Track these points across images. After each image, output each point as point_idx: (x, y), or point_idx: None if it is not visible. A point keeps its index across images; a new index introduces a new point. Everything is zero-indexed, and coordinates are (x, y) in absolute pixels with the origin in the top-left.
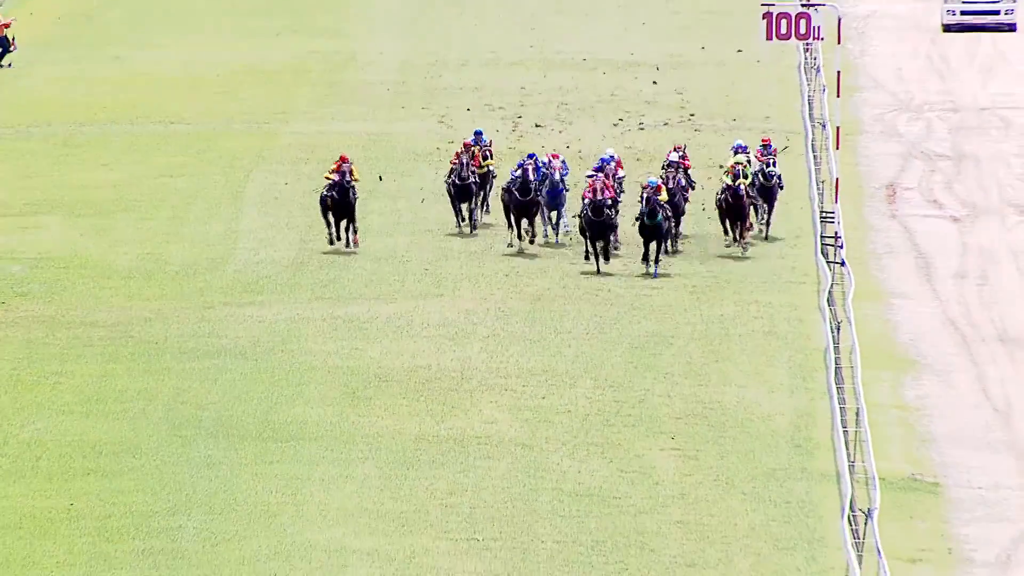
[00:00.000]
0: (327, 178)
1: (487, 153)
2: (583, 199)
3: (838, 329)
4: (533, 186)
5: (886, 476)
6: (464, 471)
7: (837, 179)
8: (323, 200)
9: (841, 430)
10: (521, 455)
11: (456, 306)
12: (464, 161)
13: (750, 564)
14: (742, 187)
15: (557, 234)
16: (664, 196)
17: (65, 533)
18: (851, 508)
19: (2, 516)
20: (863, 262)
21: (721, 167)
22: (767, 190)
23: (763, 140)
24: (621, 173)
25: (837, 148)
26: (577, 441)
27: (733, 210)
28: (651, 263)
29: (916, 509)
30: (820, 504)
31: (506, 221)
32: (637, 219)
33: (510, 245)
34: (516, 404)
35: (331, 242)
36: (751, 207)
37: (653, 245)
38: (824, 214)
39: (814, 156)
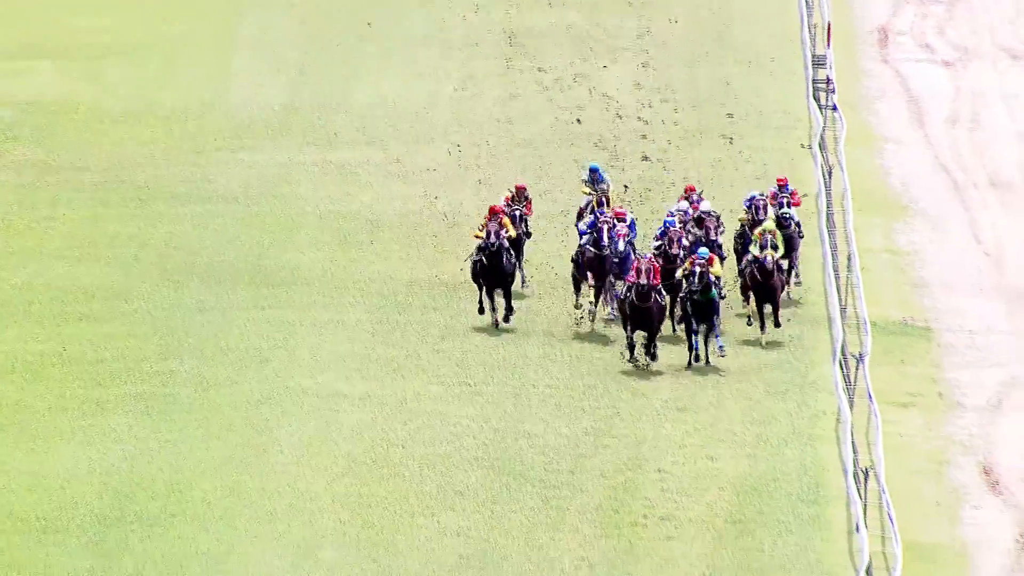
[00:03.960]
0: (476, 236)
1: (602, 200)
2: (625, 282)
3: (830, 174)
4: (606, 245)
5: (877, 321)
6: (456, 316)
7: (829, 23)
8: (472, 267)
9: (833, 275)
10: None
11: (449, 152)
12: (517, 214)
13: (741, 408)
14: (769, 259)
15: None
16: (717, 269)
17: (57, 377)
18: (842, 353)
19: None
20: (855, 107)
21: (741, 222)
22: (786, 241)
23: (779, 180)
24: (684, 241)
25: None
26: (570, 286)
27: (761, 288)
28: (702, 349)
29: (907, 354)
30: (811, 349)
31: (573, 290)
32: (684, 298)
33: (579, 321)
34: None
35: (480, 311)
36: (781, 283)
37: (703, 327)
38: (816, 58)
39: (806, 1)
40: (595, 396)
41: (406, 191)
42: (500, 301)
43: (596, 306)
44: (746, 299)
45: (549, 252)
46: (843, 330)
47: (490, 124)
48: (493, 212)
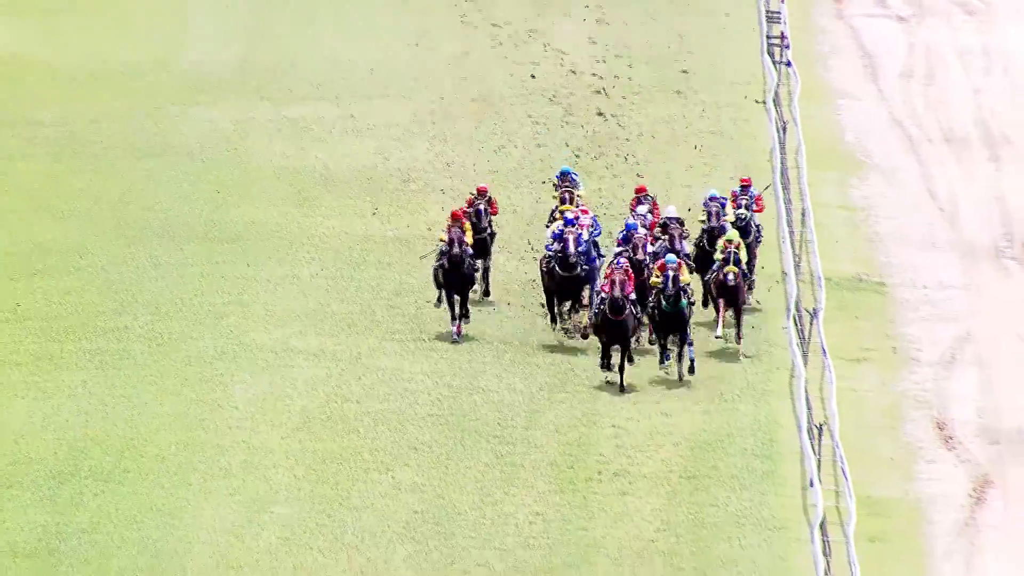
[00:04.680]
0: (440, 240)
1: (566, 196)
2: (599, 292)
3: (784, 129)
4: (575, 260)
5: (832, 276)
6: (410, 272)
7: None
8: (435, 272)
9: (787, 230)
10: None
11: (402, 107)
12: (481, 208)
13: (696, 364)
14: (731, 276)
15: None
16: (686, 276)
17: (11, 333)
18: (796, 308)
19: None
20: (809, 62)
21: (702, 228)
22: (746, 249)
23: (742, 180)
24: (650, 248)
25: None
26: (522, 243)
27: (725, 296)
28: (674, 361)
29: (861, 309)
30: (766, 304)
31: (546, 305)
32: (653, 307)
33: (555, 330)
34: (461, 205)
35: (438, 304)
36: (746, 292)
37: (675, 338)
38: (770, 14)
39: None
40: (549, 352)
41: (360, 147)
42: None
43: (575, 314)
44: (708, 306)
45: (504, 207)
46: (797, 285)
47: (444, 80)
48: (455, 217)
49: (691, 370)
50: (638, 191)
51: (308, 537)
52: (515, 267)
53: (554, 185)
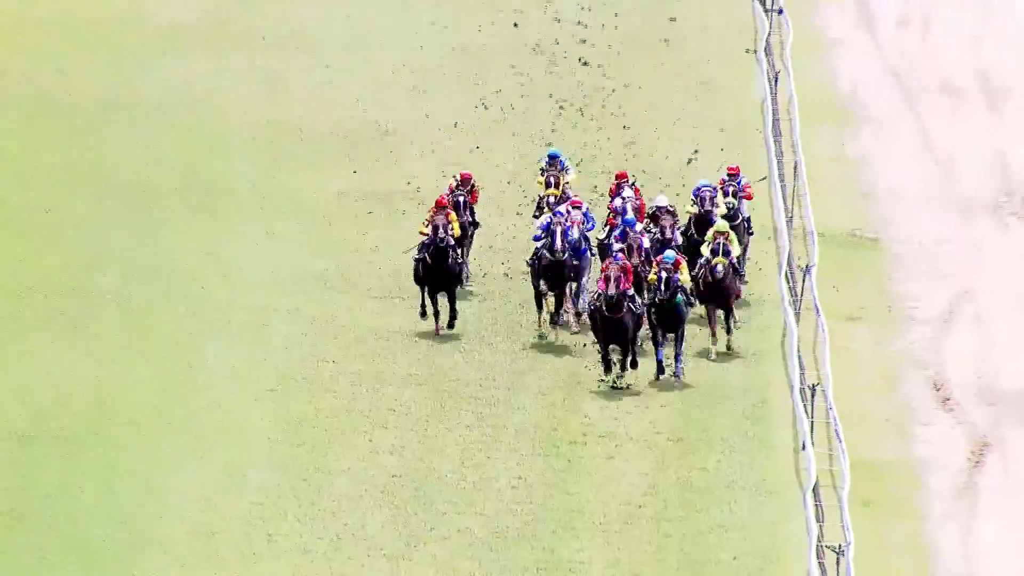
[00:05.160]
0: (421, 233)
1: (551, 180)
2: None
3: (776, 80)
4: (560, 250)
5: (825, 231)
6: (389, 228)
7: None
8: (415, 266)
9: (779, 184)
10: None
11: (380, 57)
12: (461, 200)
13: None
14: (720, 267)
15: (576, 309)
16: (686, 277)
17: None
18: (789, 265)
19: None
20: (801, 9)
21: (690, 216)
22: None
23: (729, 169)
24: (645, 242)
25: None
26: (504, 197)
27: (713, 293)
28: (669, 360)
29: (855, 265)
30: (757, 261)
31: (535, 299)
32: (649, 305)
33: (540, 335)
34: (441, 159)
35: (423, 315)
36: (737, 288)
37: (672, 336)
38: None
39: None
40: (533, 312)
41: (336, 99)
42: (444, 304)
43: (559, 316)
44: (702, 303)
45: (485, 162)
46: (790, 241)
47: (424, 29)
48: (439, 205)
49: (677, 375)
50: (619, 176)
51: (283, 502)
52: (496, 223)
53: (540, 170)
